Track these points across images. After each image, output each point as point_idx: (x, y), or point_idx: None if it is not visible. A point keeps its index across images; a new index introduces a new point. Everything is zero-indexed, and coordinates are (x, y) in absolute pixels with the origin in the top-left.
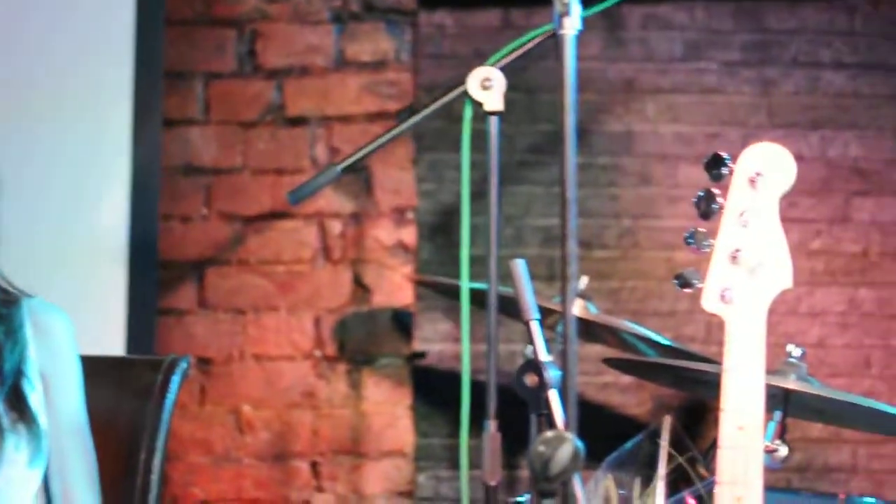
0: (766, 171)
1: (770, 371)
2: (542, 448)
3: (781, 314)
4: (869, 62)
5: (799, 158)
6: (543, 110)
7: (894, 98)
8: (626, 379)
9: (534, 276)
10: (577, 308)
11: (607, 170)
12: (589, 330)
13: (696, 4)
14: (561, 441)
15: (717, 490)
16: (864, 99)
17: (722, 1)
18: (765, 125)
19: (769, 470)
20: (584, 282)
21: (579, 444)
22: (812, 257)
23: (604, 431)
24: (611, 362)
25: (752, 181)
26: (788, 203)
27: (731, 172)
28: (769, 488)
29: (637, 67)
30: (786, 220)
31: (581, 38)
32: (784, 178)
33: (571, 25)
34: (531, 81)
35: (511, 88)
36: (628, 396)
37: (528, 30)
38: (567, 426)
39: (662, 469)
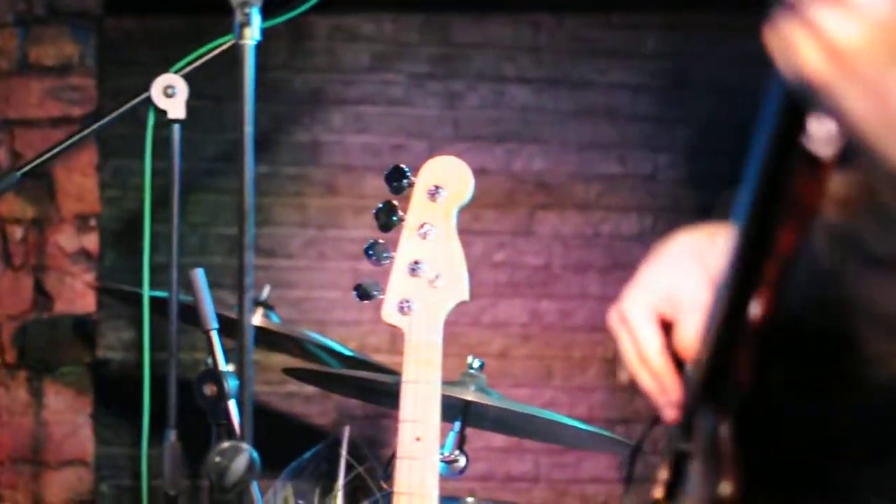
0: (445, 184)
1: (450, 382)
2: (218, 458)
3: (465, 325)
4: (553, 77)
5: (484, 172)
6: (230, 119)
7: (577, 113)
8: (311, 388)
9: (219, 285)
10: (259, 318)
11: (294, 179)
12: (272, 340)
13: (384, 17)
14: (237, 451)
15: (394, 500)
16: (547, 113)
17: (409, 14)
18: (450, 138)
19: (449, 480)
20: (266, 291)
21: (255, 454)
22: (496, 269)
23: (287, 441)
24: (291, 372)
25: (431, 194)
26: (473, 216)
27: (411, 185)
28: (449, 498)
29: (324, 78)
30: (470, 232)
31: (268, 47)
32: (462, 191)
33: (251, 35)
34: (219, 89)
35: (198, 96)
36: (313, 406)
37: (218, 37)
38: (243, 436)
39: (341, 479)
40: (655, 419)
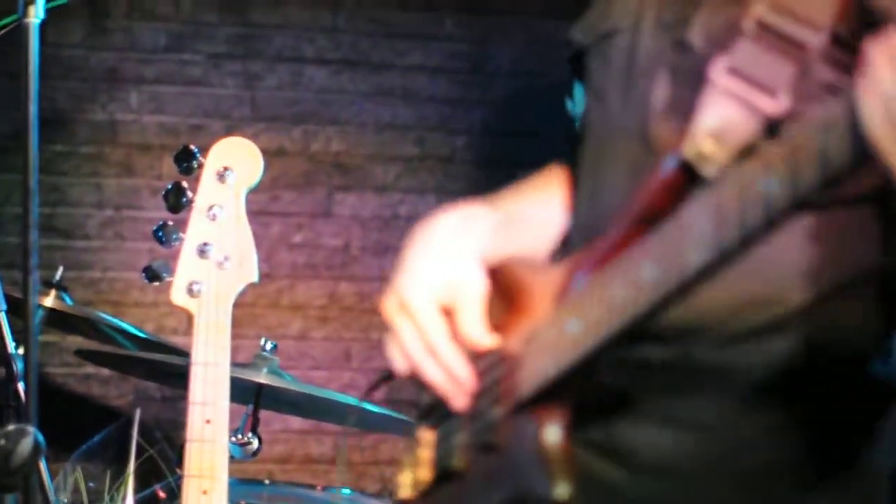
0: (234, 165)
1: (244, 364)
2: (2, 441)
3: (263, 307)
4: (351, 58)
5: (282, 153)
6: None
7: (375, 94)
8: (109, 371)
9: (14, 266)
10: (52, 299)
11: (90, 159)
12: (67, 321)
13: None
14: (22, 434)
15: (184, 483)
16: (346, 95)
17: None
18: (248, 118)
19: (243, 462)
20: (59, 272)
21: (40, 436)
22: (294, 251)
23: (83, 424)
24: (84, 354)
25: (220, 175)
26: (271, 197)
27: (200, 166)
28: (245, 480)
29: (121, 56)
30: (268, 213)
31: (65, 25)
32: (252, 172)
33: (35, 14)
34: (13, 66)
35: None
36: (110, 388)
37: (9, 15)
38: (29, 419)
39: (132, 462)
40: (388, 374)
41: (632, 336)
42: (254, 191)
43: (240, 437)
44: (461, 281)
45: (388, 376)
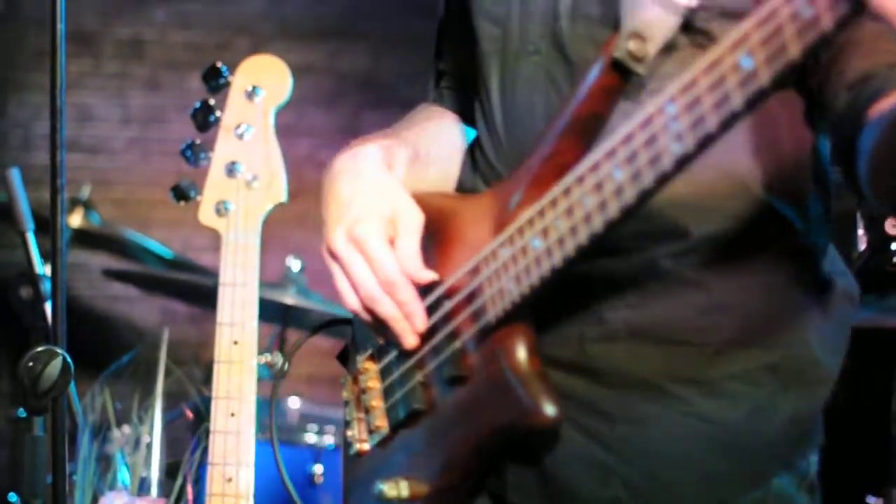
0: (262, 84)
1: (272, 284)
2: (31, 364)
3: (291, 225)
4: None
5: (309, 69)
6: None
7: (402, 10)
8: (135, 290)
9: (40, 184)
10: (78, 218)
11: (116, 76)
12: (92, 240)
13: None
14: (51, 356)
15: (212, 404)
16: (375, 9)
17: None
18: (275, 35)
19: (269, 383)
20: (87, 190)
21: (68, 358)
22: (321, 168)
23: (110, 344)
24: (111, 274)
25: (248, 94)
26: (298, 114)
27: (228, 85)
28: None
29: None
30: (295, 131)
31: None
32: (280, 91)
33: None
34: None
35: None
36: (136, 308)
37: None
38: (57, 341)
39: (160, 383)
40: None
41: (597, 249)
42: (281, 109)
43: (267, 357)
44: (401, 214)
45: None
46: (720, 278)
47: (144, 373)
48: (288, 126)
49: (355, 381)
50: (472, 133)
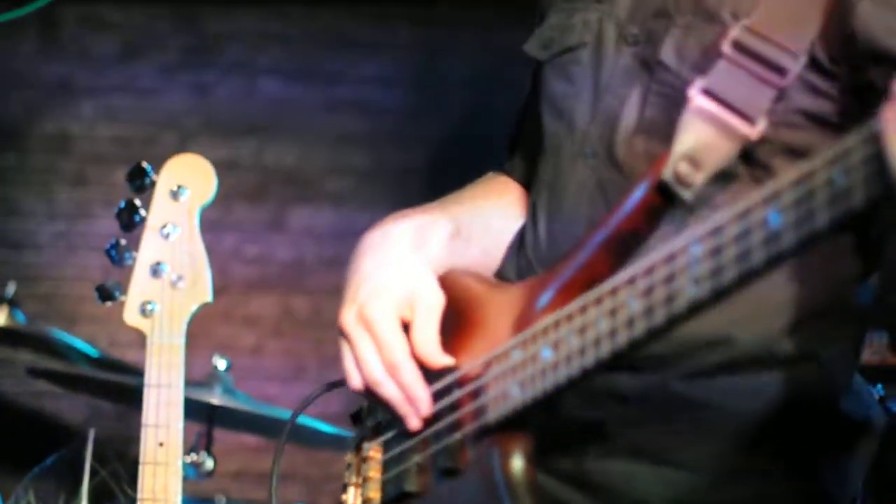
0: (187, 183)
1: (197, 383)
2: None
3: (217, 321)
4: (304, 69)
5: (235, 165)
6: None
7: (329, 107)
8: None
9: None
10: (3, 316)
11: (42, 170)
12: (17, 338)
13: (134, 6)
14: None
15: None
16: (300, 106)
17: (159, 3)
18: (202, 130)
19: (196, 483)
20: (11, 287)
21: None
22: (247, 264)
23: (37, 442)
24: (35, 373)
25: (173, 193)
26: (224, 209)
27: (153, 184)
28: (201, 499)
29: (73, 67)
30: (221, 226)
31: (16, 35)
32: (206, 190)
33: None
34: None
35: None
36: (63, 404)
37: None
38: None
39: (85, 483)
40: (333, 384)
41: (606, 367)
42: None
43: (194, 457)
44: (419, 296)
45: (331, 386)
46: (727, 402)
47: (70, 473)
48: (213, 221)
49: (360, 446)
50: None
